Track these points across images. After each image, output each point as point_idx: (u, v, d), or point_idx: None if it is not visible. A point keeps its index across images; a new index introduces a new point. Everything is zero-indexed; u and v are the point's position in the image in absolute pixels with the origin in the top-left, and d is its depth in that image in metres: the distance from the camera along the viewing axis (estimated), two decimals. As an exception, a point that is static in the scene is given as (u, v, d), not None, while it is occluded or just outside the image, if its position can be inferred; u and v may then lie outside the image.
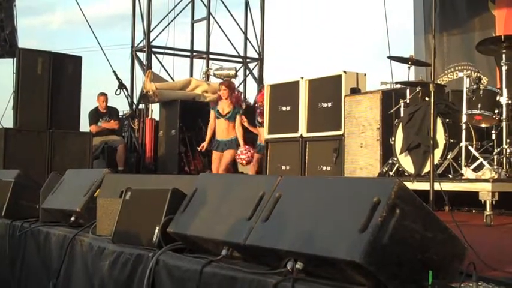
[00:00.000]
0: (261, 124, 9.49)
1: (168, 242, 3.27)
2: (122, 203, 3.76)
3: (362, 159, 7.82)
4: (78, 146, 8.93)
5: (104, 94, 11.32)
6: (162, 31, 13.69)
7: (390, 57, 7.92)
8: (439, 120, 6.43)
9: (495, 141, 6.38)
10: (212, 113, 9.65)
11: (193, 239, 3.15)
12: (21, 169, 5.90)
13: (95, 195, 4.40)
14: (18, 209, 5.29)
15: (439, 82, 9.46)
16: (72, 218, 4.50)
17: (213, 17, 14.01)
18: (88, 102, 11.60)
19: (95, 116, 11.35)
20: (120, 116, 12.03)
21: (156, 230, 3.32)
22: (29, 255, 4.80)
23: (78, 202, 4.51)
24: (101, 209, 4.11)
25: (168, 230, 3.27)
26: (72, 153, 8.78)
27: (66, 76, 9.09)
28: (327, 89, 8.51)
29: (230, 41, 14.29)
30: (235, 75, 13.43)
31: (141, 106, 12.61)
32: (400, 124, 6.94)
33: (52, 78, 8.90)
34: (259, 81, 14.14)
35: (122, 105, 12.24)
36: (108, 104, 11.38)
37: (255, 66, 14.55)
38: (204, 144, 9.70)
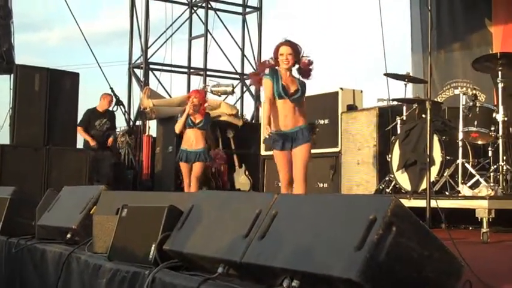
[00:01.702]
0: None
1: (164, 260, 3.26)
2: (118, 220, 3.75)
3: (359, 176, 7.83)
4: (75, 163, 8.91)
5: (110, 95, 10.51)
6: (159, 48, 13.74)
7: (386, 75, 7.95)
8: (435, 138, 6.45)
9: (492, 158, 6.40)
10: (180, 120, 8.77)
11: (189, 256, 3.15)
12: (17, 186, 5.88)
13: (91, 212, 4.39)
14: (15, 226, 5.27)
15: (437, 99, 9.49)
16: (69, 235, 4.49)
17: (211, 34, 14.05)
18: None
19: (89, 116, 10.46)
20: (117, 132, 11.98)
21: (153, 248, 3.31)
22: (26, 273, 4.78)
23: (75, 219, 4.50)
24: (97, 226, 4.10)
25: (165, 247, 3.26)
26: (69, 170, 8.76)
27: (64, 92, 9.09)
28: (323, 105, 8.53)
29: (227, 58, 14.33)
30: (233, 92, 13.46)
31: (138, 123, 12.62)
32: (397, 141, 6.95)
33: (49, 95, 8.90)
34: (256, 97, 14.17)
35: (119, 122, 12.21)
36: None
37: (252, 83, 14.57)
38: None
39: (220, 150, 11.06)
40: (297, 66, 5.74)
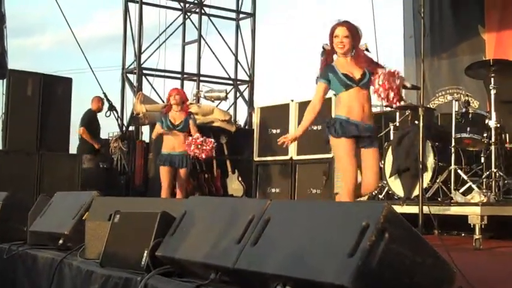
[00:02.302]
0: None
1: (156, 266, 3.25)
2: (111, 226, 3.75)
3: (352, 182, 7.82)
4: (68, 168, 8.89)
5: (102, 99, 10.40)
6: (152, 53, 13.72)
7: (380, 81, 7.95)
8: (428, 144, 6.46)
9: (484, 164, 6.41)
10: (158, 126, 8.31)
11: (181, 262, 3.14)
12: (9, 191, 5.86)
13: (83, 218, 4.38)
14: (6, 231, 5.25)
15: (429, 105, 9.51)
16: (61, 241, 4.48)
17: (204, 40, 14.06)
18: (77, 124, 11.43)
19: (92, 118, 10.62)
20: (110, 138, 12.00)
21: (145, 254, 3.31)
22: (18, 279, 4.76)
23: (67, 225, 4.48)
24: (90, 232, 4.09)
25: (157, 253, 3.26)
26: (62, 175, 8.74)
27: (56, 98, 9.08)
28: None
29: (221, 64, 14.34)
30: (226, 98, 13.46)
31: (131, 128, 12.60)
32: (390, 147, 6.96)
33: (42, 100, 8.89)
34: (250, 103, 14.17)
35: (111, 127, 12.20)
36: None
37: (245, 89, 14.59)
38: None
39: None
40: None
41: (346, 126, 4.76)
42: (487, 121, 6.27)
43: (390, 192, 6.84)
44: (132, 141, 11.99)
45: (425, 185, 6.20)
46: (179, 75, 14.44)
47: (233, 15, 14.68)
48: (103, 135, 12.02)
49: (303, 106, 8.69)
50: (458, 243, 5.86)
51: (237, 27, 14.61)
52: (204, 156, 7.82)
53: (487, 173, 6.22)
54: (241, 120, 14.08)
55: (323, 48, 4.93)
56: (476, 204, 5.54)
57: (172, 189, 8.17)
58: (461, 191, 6.10)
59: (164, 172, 8.05)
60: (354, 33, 4.88)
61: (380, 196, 7.02)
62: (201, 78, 14.13)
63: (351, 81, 4.83)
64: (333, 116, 5.01)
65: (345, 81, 4.82)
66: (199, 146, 7.70)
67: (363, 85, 4.84)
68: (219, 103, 12.97)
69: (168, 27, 14.11)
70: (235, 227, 2.91)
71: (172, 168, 8.03)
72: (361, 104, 4.82)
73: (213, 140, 7.98)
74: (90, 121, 10.58)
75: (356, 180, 4.76)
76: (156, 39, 13.86)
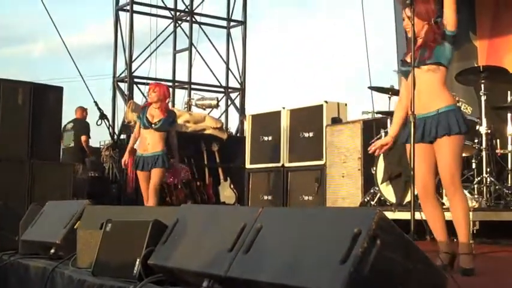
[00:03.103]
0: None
1: (149, 274, 3.25)
2: (103, 234, 3.74)
3: (344, 188, 7.84)
4: (59, 177, 8.86)
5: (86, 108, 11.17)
6: (144, 61, 13.73)
7: (371, 88, 7.99)
8: (419, 150, 6.46)
9: (475, 170, 6.42)
10: (137, 123, 7.56)
11: (174, 271, 3.14)
12: (1, 200, 5.84)
13: (75, 227, 4.36)
14: (-2, 240, 5.24)
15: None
16: (52, 250, 4.46)
17: (195, 48, 14.07)
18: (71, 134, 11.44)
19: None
20: (101, 146, 12.01)
21: (137, 262, 3.30)
22: (9, 288, 4.74)
23: (58, 234, 4.47)
24: (81, 241, 4.08)
25: (149, 262, 3.25)
26: (53, 184, 8.71)
27: (47, 106, 9.06)
28: (308, 118, 8.55)
29: (212, 72, 14.35)
30: (217, 105, 13.48)
31: (123, 136, 12.58)
32: (381, 154, 6.97)
33: (33, 109, 8.87)
34: (241, 111, 14.18)
35: (103, 136, 12.18)
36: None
37: (236, 96, 14.60)
38: (125, 158, 7.57)
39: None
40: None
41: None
42: (477, 127, 6.30)
43: (382, 198, 6.85)
44: (123, 150, 11.96)
45: (416, 191, 6.20)
46: (170, 84, 14.43)
47: (224, 23, 14.71)
48: (94, 143, 12.06)
49: (294, 113, 8.73)
50: (451, 249, 5.86)
51: (228, 35, 14.63)
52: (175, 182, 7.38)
53: (478, 178, 6.24)
54: (232, 127, 14.09)
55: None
56: (467, 210, 5.55)
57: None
58: (452, 196, 6.11)
59: (140, 178, 7.35)
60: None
61: (372, 202, 7.03)
62: (192, 86, 14.14)
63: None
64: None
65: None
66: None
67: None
68: (211, 111, 12.98)
69: (159, 35, 14.13)
70: (227, 235, 2.91)
71: (147, 173, 7.25)
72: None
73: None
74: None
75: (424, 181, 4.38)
76: (147, 47, 13.88)
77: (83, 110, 11.15)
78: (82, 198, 9.52)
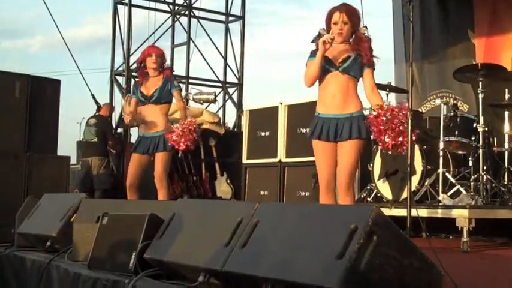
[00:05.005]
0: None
1: (144, 268, 3.25)
2: (99, 228, 3.74)
3: (340, 184, 7.83)
4: (56, 170, 8.83)
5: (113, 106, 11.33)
6: (141, 55, 13.67)
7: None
8: (416, 147, 6.47)
9: (472, 168, 6.43)
10: (133, 101, 6.15)
11: (170, 265, 3.14)
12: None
13: (71, 220, 4.36)
14: (-7, 233, 5.24)
15: (421, 109, 9.55)
16: (48, 243, 4.46)
17: (193, 42, 14.04)
18: (66, 126, 11.49)
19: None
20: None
21: (133, 256, 3.30)
22: (5, 281, 4.73)
23: (55, 227, 4.47)
24: (78, 234, 4.08)
25: (145, 256, 3.25)
26: (50, 177, 8.69)
27: (45, 99, 9.03)
28: (306, 114, 8.51)
29: (210, 66, 14.33)
30: (215, 100, 13.45)
31: (120, 130, 12.57)
32: (378, 150, 6.97)
33: (30, 102, 8.84)
34: (239, 106, 14.16)
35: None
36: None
37: (234, 91, 14.58)
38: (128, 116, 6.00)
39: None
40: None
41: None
42: (475, 125, 6.31)
43: (378, 195, 6.86)
44: (120, 143, 11.97)
45: (413, 188, 6.21)
46: (168, 78, 14.39)
47: (222, 17, 14.67)
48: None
49: (291, 109, 8.71)
50: (446, 245, 5.88)
51: (226, 29, 14.61)
52: (182, 147, 5.81)
53: (475, 176, 6.25)
54: (230, 122, 14.08)
55: (319, 33, 4.36)
56: (464, 207, 5.56)
57: (139, 181, 6.17)
58: (449, 194, 6.12)
59: (132, 158, 6.09)
60: (354, 18, 4.38)
61: (368, 199, 7.04)
62: (190, 81, 14.11)
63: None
64: None
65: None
66: (180, 134, 5.72)
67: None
68: (208, 105, 12.96)
69: (157, 29, 14.09)
70: (224, 230, 2.91)
71: (145, 156, 6.04)
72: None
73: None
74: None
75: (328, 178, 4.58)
76: (145, 41, 13.82)
77: (109, 107, 11.24)
78: (100, 193, 10.07)
